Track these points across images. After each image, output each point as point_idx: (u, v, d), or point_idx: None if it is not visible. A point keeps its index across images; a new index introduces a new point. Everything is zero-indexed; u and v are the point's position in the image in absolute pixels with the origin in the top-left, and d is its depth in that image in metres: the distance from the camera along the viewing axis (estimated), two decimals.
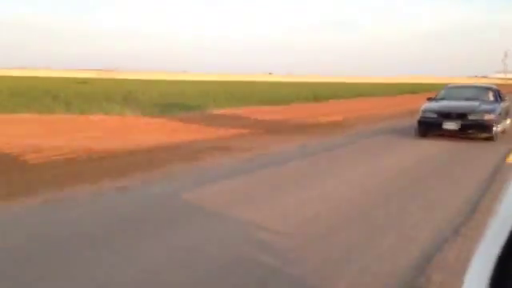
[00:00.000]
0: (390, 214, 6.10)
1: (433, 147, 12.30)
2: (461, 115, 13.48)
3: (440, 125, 13.63)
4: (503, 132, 14.49)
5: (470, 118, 13.42)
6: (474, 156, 11.19)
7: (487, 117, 13.42)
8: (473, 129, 13.51)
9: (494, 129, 13.43)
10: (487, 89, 15.83)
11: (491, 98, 14.84)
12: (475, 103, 14.05)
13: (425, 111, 14.18)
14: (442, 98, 15.24)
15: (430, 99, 15.52)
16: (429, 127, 13.99)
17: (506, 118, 15.03)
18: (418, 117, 14.24)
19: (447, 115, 13.64)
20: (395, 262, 4.40)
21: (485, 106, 13.85)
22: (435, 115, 13.83)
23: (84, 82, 61.58)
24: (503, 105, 14.81)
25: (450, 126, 13.49)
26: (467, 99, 14.54)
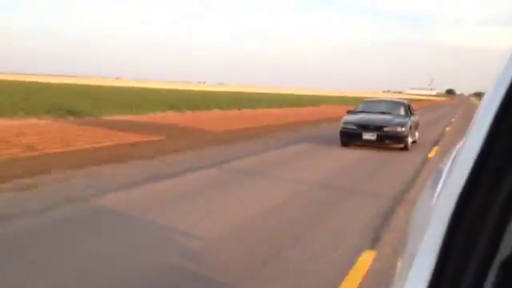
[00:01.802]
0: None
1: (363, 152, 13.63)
2: (377, 127, 14.97)
3: (360, 135, 15.06)
4: (414, 142, 16.18)
5: (386, 129, 14.95)
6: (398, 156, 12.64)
7: (400, 129, 15.01)
8: (388, 139, 15.07)
9: (407, 140, 15.06)
10: (399, 103, 17.59)
11: (402, 112, 16.52)
12: (389, 117, 15.64)
13: (346, 123, 15.58)
14: (360, 111, 16.73)
15: (349, 112, 17.00)
16: (350, 137, 15.37)
17: (415, 130, 16.79)
18: (339, 128, 15.61)
19: (365, 127, 15.08)
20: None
21: (398, 120, 15.44)
22: (355, 127, 15.24)
23: None
24: (413, 118, 16.54)
25: (369, 136, 14.94)
26: (382, 113, 16.13)
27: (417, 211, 1.94)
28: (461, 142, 2.12)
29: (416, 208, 2.02)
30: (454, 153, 2.03)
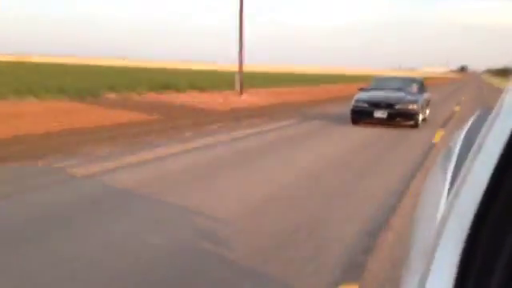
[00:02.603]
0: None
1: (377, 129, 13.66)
2: (389, 105, 14.92)
3: (371, 113, 15.02)
4: (424, 120, 16.14)
5: (397, 107, 14.90)
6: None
7: (411, 106, 14.95)
8: (399, 117, 15.03)
9: (417, 117, 15.02)
10: (412, 81, 17.46)
11: (415, 89, 16.41)
12: (401, 94, 15.55)
13: (357, 101, 15.51)
14: (372, 89, 16.63)
15: (361, 89, 16.92)
16: (361, 115, 15.34)
17: (426, 108, 16.71)
18: (351, 106, 15.59)
19: (377, 105, 15.03)
20: None
21: (410, 97, 15.36)
22: (366, 104, 15.20)
23: None
24: (425, 96, 16.45)
25: (380, 114, 14.91)
26: (394, 90, 16.02)
27: (425, 195, 1.92)
28: (469, 123, 2.19)
29: (424, 191, 2.01)
30: (464, 132, 2.02)
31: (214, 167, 8.32)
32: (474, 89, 55.79)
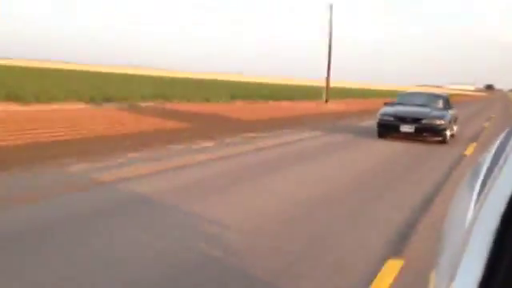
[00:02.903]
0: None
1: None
2: (415, 120, 14.91)
3: (397, 127, 15.03)
4: (452, 136, 16.05)
5: (424, 122, 14.87)
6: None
7: (438, 122, 14.91)
8: (426, 132, 14.99)
9: (446, 133, 14.96)
10: (438, 96, 17.44)
11: (441, 105, 16.37)
12: (427, 109, 15.52)
13: (383, 114, 15.56)
14: (398, 103, 16.64)
15: (386, 104, 16.97)
16: (387, 129, 15.37)
17: (454, 124, 16.62)
18: (376, 119, 15.63)
19: (403, 119, 15.04)
20: None
21: (435, 113, 15.32)
22: (392, 118, 15.22)
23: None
24: (452, 112, 16.38)
25: (407, 128, 14.90)
26: (420, 105, 16.00)
27: (454, 207, 1.94)
28: (498, 141, 2.24)
29: (453, 204, 2.04)
30: (493, 150, 2.03)
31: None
32: (501, 107, 55.27)
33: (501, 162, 1.11)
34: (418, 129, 14.81)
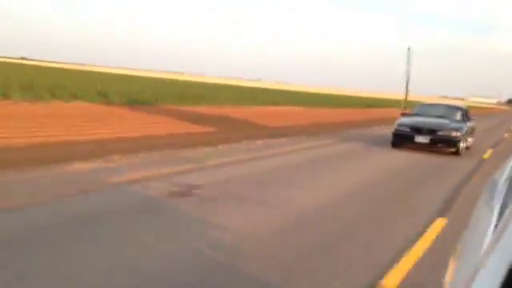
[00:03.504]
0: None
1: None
2: (431, 131, 14.98)
3: (412, 138, 15.12)
4: (467, 148, 16.06)
5: (440, 133, 14.94)
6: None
7: (454, 134, 14.95)
8: (441, 143, 15.06)
9: (460, 145, 15.00)
10: (456, 108, 17.44)
11: (459, 117, 16.43)
12: (445, 121, 15.59)
13: (399, 125, 15.67)
14: (416, 114, 16.75)
15: (403, 114, 17.04)
16: (402, 139, 15.46)
17: (470, 136, 16.64)
18: (392, 129, 15.74)
19: (419, 130, 15.12)
20: None
21: (454, 125, 15.38)
22: (408, 129, 15.32)
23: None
24: (469, 124, 16.39)
25: (421, 139, 14.99)
26: (438, 117, 16.10)
27: (473, 221, 1.94)
28: None
29: (472, 219, 2.06)
30: (509, 166, 2.08)
31: None
32: None
33: None
34: (432, 140, 14.89)
